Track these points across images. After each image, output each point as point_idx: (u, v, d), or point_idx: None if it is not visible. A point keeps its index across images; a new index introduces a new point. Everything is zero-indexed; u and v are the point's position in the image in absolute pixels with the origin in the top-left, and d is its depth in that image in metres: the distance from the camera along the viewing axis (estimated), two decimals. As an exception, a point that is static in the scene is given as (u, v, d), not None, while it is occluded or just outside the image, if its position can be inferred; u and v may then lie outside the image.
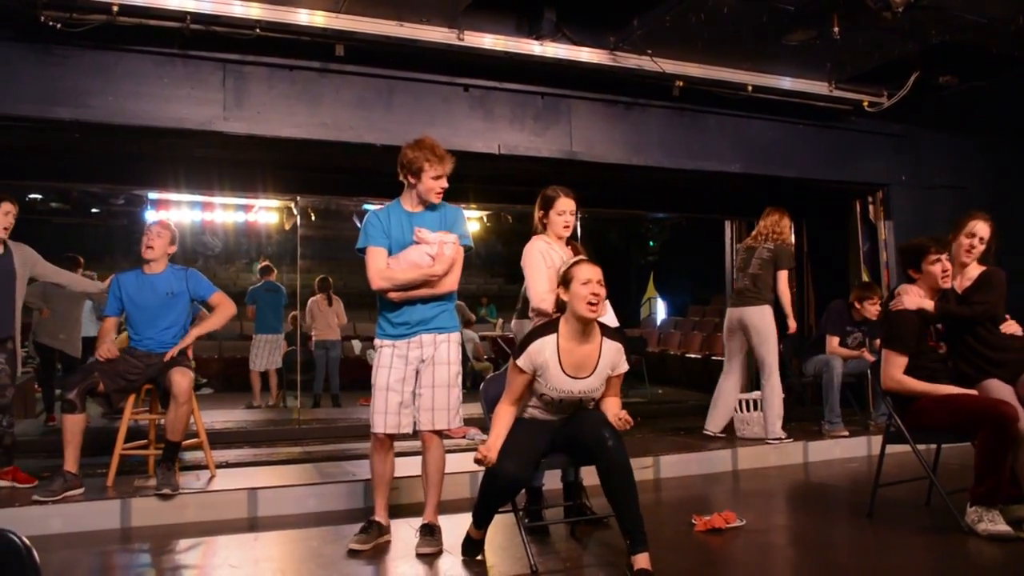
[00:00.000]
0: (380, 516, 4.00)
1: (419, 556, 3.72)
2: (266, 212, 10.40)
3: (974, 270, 4.30)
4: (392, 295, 3.83)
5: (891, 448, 4.29)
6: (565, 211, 4.20)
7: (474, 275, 16.27)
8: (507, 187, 7.80)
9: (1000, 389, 3.94)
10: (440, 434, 3.93)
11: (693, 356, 12.15)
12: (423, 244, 3.83)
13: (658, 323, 15.15)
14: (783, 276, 6.29)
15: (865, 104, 7.08)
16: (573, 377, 3.43)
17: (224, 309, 4.99)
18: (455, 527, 3.94)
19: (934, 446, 4.59)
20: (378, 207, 4.05)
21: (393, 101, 6.01)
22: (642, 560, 3.20)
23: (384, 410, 3.86)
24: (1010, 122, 8.05)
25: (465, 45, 5.65)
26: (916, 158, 8.07)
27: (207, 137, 5.64)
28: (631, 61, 6.09)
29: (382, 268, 3.83)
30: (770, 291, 6.30)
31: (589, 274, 3.35)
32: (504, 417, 3.47)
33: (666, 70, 6.18)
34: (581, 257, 3.53)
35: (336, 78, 5.87)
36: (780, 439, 6.14)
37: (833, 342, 6.74)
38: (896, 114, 7.25)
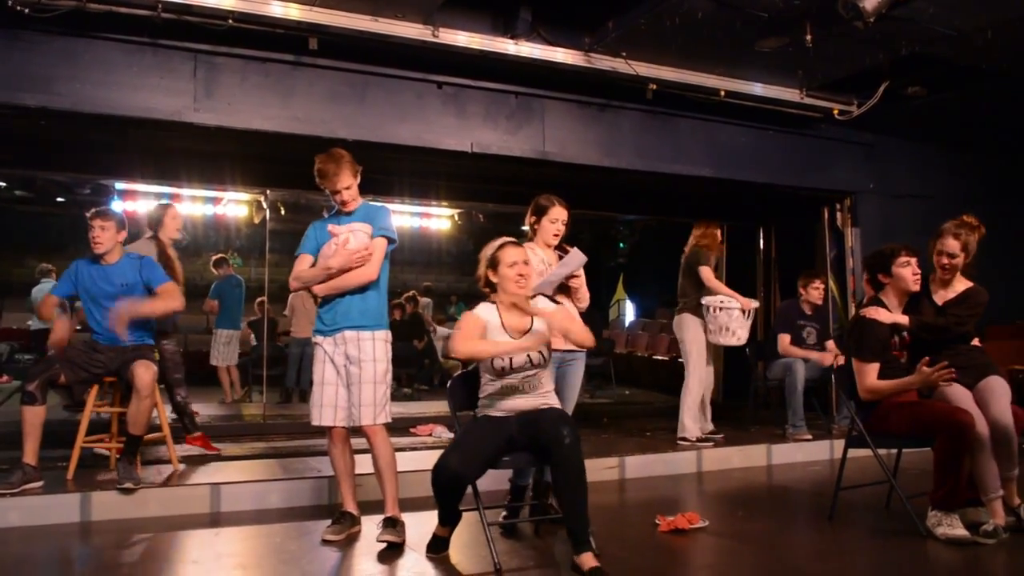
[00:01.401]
0: (349, 506, 4.10)
1: (380, 542, 3.77)
2: (235, 205, 10.29)
3: (960, 284, 4.29)
4: (315, 289, 4.00)
5: (853, 452, 4.36)
6: (558, 219, 4.34)
7: (444, 273, 16.25)
8: (479, 185, 7.80)
9: (960, 395, 4.01)
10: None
11: (660, 358, 12.23)
12: (333, 239, 4.00)
13: (626, 325, 15.23)
14: (705, 271, 6.39)
15: (835, 112, 7.17)
16: (517, 334, 3.65)
17: (169, 298, 4.79)
18: (420, 524, 3.96)
19: (895, 451, 4.67)
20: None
21: (366, 96, 6.00)
22: (586, 559, 3.25)
23: (320, 403, 3.99)
24: (976, 133, 8.19)
25: (440, 42, 5.64)
26: (884, 167, 8.20)
27: (176, 128, 5.58)
28: (605, 63, 6.12)
29: (298, 271, 4.04)
30: (690, 297, 6.44)
31: (514, 256, 3.67)
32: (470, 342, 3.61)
33: (640, 73, 6.22)
34: (507, 240, 3.76)
35: (309, 72, 5.84)
36: (686, 439, 6.23)
37: (784, 340, 6.80)
38: (866, 123, 7.35)
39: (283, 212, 9.41)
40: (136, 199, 9.25)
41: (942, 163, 8.52)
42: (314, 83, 5.86)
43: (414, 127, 6.10)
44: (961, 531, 3.77)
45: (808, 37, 5.52)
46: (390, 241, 4.03)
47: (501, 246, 3.74)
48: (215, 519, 4.49)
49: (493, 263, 3.72)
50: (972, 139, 8.37)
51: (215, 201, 10.46)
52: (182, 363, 5.87)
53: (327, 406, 3.97)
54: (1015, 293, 7.29)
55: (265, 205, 8.75)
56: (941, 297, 4.29)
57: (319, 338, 4.04)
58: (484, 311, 3.71)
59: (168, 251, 5.62)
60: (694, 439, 6.22)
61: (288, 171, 7.20)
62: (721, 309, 6.19)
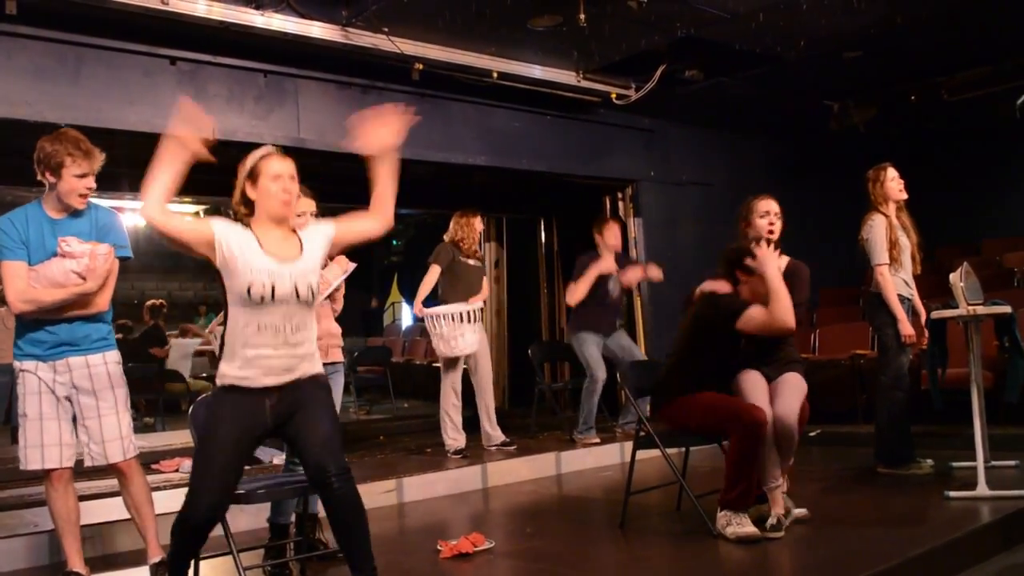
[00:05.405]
0: (76, 565, 3.80)
1: None
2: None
3: (779, 259, 4.51)
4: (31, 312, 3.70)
5: (643, 453, 4.59)
6: (306, 211, 4.20)
7: (189, 280, 15.58)
8: (227, 178, 7.48)
9: (754, 386, 4.29)
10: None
11: (441, 365, 12.30)
12: (68, 258, 3.69)
13: (403, 330, 15.25)
14: (430, 272, 7.00)
15: (613, 96, 7.53)
16: (279, 259, 3.22)
17: None
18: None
19: (683, 450, 4.96)
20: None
21: (82, 72, 5.60)
22: None
23: (40, 443, 3.70)
24: (752, 118, 8.90)
25: (171, 11, 5.36)
26: (664, 153, 8.72)
27: None
28: (366, 39, 6.07)
29: (22, 289, 3.66)
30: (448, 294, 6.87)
31: (279, 168, 3.32)
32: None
33: (405, 51, 6.22)
34: (269, 150, 3.42)
35: (7, 42, 5.36)
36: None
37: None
38: (645, 108, 7.78)
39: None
40: None
41: (721, 149, 9.19)
42: (14, 56, 5.38)
43: (143, 110, 5.76)
44: (750, 528, 4.06)
45: (581, 16, 5.75)
46: (124, 260, 3.90)
47: (265, 155, 3.35)
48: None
49: (252, 175, 3.32)
50: (748, 124, 9.09)
51: None
52: None
53: (50, 445, 3.69)
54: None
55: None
56: None
57: (28, 364, 3.74)
58: (235, 229, 3.25)
59: None
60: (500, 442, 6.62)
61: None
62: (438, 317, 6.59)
